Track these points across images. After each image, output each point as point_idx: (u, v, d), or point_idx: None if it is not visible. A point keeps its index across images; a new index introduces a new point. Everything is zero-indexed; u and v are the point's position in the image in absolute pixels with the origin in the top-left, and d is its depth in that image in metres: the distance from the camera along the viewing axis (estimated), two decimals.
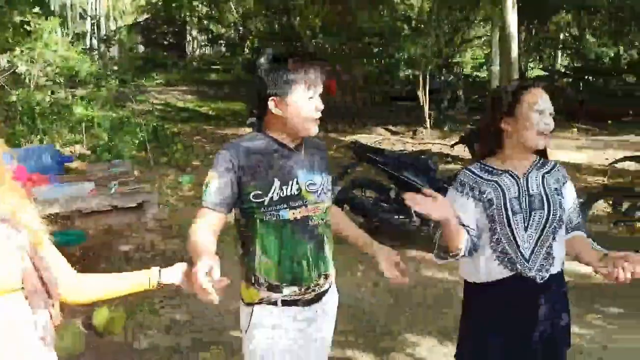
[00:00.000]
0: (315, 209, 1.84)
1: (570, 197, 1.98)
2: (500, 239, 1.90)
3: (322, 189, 1.87)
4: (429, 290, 4.22)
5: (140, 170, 7.57)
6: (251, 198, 1.79)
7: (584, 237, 1.99)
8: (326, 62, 1.93)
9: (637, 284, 4.68)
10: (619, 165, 6.46)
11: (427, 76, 11.94)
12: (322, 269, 1.87)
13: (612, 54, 16.37)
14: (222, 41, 20.29)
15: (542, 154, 2.01)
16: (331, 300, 2.00)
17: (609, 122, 12.16)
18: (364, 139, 10.84)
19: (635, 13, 13.77)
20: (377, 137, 11.30)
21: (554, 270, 1.92)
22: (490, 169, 1.95)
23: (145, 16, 23.96)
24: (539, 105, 1.86)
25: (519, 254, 1.88)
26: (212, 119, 13.37)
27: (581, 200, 5.22)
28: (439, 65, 15.65)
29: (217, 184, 1.78)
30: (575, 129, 11.69)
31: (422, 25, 13.06)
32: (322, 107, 1.82)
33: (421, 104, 11.91)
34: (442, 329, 3.58)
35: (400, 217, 5.15)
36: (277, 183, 1.78)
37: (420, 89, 11.89)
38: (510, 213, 1.88)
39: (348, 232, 2.06)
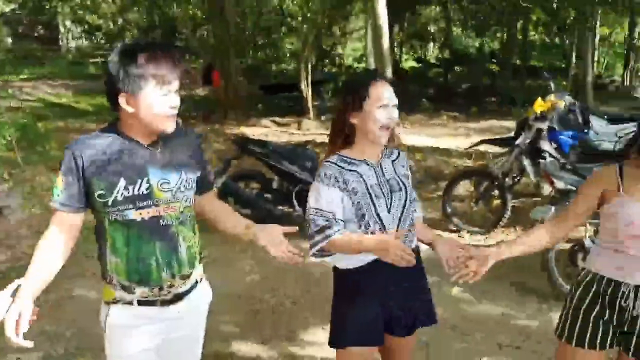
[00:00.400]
0: (169, 208, 1.77)
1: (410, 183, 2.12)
2: (369, 223, 1.97)
3: (180, 187, 1.80)
4: (315, 278, 4.30)
5: (10, 172, 6.98)
6: (97, 198, 1.71)
7: (420, 220, 2.18)
8: (182, 55, 1.84)
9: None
10: (482, 149, 6.96)
11: (309, 68, 12.10)
12: (177, 270, 1.81)
13: (477, 45, 17.54)
14: (99, 33, 19.15)
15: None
16: (197, 300, 1.94)
17: (475, 109, 13.05)
18: (250, 131, 10.78)
19: (496, 6, 14.88)
20: (263, 129, 11.27)
21: (414, 245, 2.05)
22: (348, 159, 2.01)
23: (12, 6, 21.97)
24: (382, 101, 1.93)
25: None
26: (90, 114, 12.60)
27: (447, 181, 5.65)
28: (321, 57, 15.98)
29: (63, 184, 1.71)
30: (445, 116, 12.43)
31: (300, 18, 13.17)
32: (177, 103, 1.73)
33: (304, 95, 12.05)
34: (328, 315, 3.67)
35: (284, 207, 5.22)
36: (122, 182, 1.71)
37: (303, 80, 12.03)
38: (374, 198, 1.96)
39: (228, 224, 1.99)
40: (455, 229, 5.29)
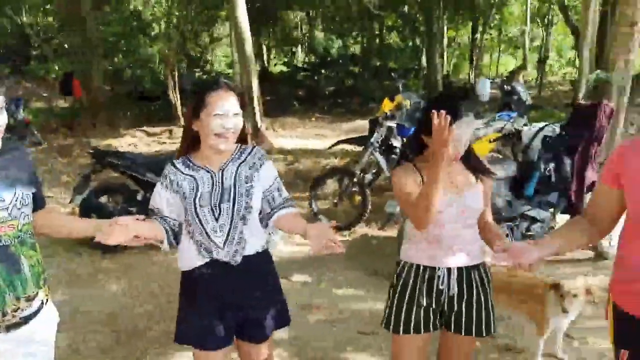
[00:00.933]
0: (5, 227, 1.65)
1: (268, 178, 2.08)
2: (194, 229, 1.99)
3: (16, 204, 1.69)
4: None
5: None
6: None
7: (291, 212, 2.10)
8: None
9: (359, 248, 5.17)
10: (348, 148, 7.22)
11: (176, 75, 11.75)
12: (21, 291, 1.69)
13: (338, 49, 18.14)
14: None
15: (244, 141, 2.08)
16: (45, 321, 1.82)
17: (340, 109, 13.50)
18: (119, 142, 10.27)
19: (354, 11, 15.49)
20: (132, 140, 10.73)
21: (250, 252, 2.02)
22: (191, 164, 2.02)
23: None
24: (217, 110, 1.91)
25: (212, 243, 1.97)
26: None
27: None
28: (190, 63, 15.59)
29: None
30: (314, 118, 12.72)
31: (164, 24, 12.75)
32: (2, 122, 1.62)
33: (173, 102, 11.69)
34: None
35: None
36: None
37: (170, 87, 11.66)
38: (198, 206, 1.95)
39: (74, 230, 1.91)
40: None
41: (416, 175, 2.01)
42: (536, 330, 3.07)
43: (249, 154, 2.07)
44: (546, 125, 4.31)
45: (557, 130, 4.22)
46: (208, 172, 2.00)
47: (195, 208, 1.95)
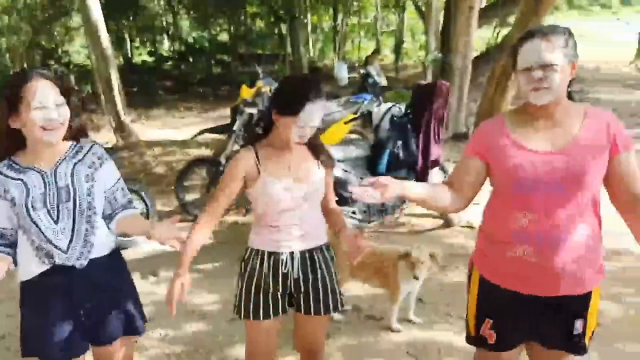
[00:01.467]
0: None
1: (110, 179, 1.96)
2: (32, 235, 1.82)
3: None
4: None
5: None
6: None
7: (133, 214, 2.01)
8: None
9: (228, 236, 5.05)
10: (218, 137, 7.01)
11: (26, 67, 10.67)
12: None
13: (206, 37, 17.60)
14: None
15: (77, 139, 1.94)
16: None
17: (210, 98, 13.16)
18: None
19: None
20: None
21: (97, 255, 1.91)
22: (17, 166, 1.83)
23: None
24: (36, 102, 1.74)
25: (54, 247, 1.82)
26: None
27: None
28: (45, 56, 14.25)
29: None
30: (183, 108, 12.27)
31: (8, 15, 11.50)
32: None
33: None
34: None
35: None
36: None
37: None
38: (31, 211, 1.79)
39: None
40: (191, 218, 5.23)
41: (253, 166, 1.97)
42: (390, 298, 3.22)
43: (87, 152, 1.93)
44: (393, 105, 4.49)
45: (403, 110, 4.42)
46: (38, 172, 1.83)
47: (29, 212, 1.78)
